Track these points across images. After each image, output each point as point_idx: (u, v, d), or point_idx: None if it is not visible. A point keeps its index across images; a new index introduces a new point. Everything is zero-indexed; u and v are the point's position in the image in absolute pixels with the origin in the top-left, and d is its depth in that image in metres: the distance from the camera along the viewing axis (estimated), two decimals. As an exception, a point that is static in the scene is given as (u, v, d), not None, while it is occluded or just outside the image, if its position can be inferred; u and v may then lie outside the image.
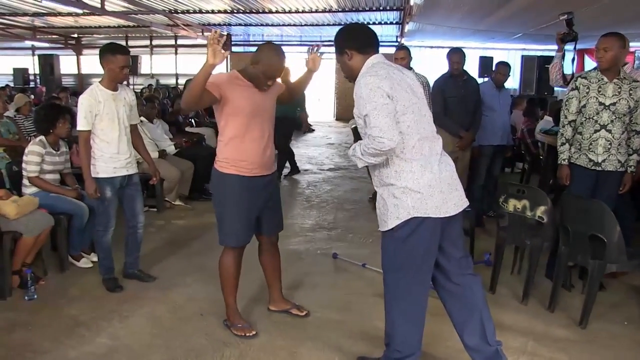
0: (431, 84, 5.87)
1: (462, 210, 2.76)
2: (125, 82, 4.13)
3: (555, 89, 11.67)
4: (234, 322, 3.52)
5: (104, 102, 3.92)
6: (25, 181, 4.47)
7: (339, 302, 3.99)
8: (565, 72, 4.58)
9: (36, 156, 4.39)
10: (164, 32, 13.71)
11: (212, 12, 12.73)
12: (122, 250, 4.37)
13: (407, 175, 2.60)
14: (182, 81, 17.22)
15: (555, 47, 4.65)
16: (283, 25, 14.80)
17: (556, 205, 3.96)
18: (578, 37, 4.54)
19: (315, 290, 4.21)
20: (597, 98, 3.95)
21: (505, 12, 8.87)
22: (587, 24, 7.46)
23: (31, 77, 18.17)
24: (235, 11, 12.59)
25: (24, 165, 4.45)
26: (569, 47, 4.62)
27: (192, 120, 9.54)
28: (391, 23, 14.06)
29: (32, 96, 12.19)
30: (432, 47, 16.27)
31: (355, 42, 2.79)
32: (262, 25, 14.98)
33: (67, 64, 18.69)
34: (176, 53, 17.97)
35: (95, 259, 4.60)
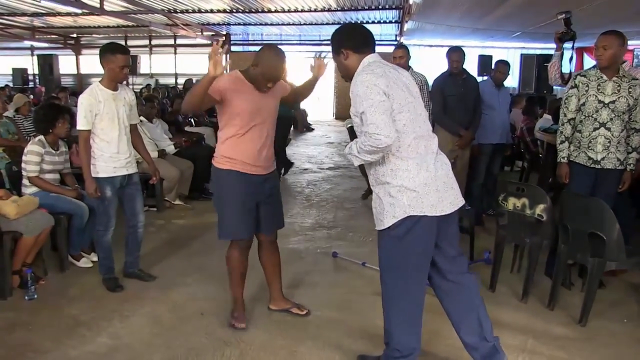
0: (430, 83, 5.88)
1: (459, 209, 2.77)
2: (125, 82, 4.11)
3: (555, 87, 11.67)
4: (233, 311, 3.62)
5: (104, 102, 3.92)
6: (25, 181, 4.48)
7: (339, 300, 4.00)
8: (563, 71, 4.58)
9: (35, 156, 4.40)
10: (163, 31, 13.71)
11: (211, 11, 12.74)
12: (122, 250, 4.37)
13: (403, 173, 2.60)
14: (181, 80, 17.25)
15: (554, 45, 4.65)
16: (282, 24, 14.81)
17: (555, 203, 3.96)
18: (576, 36, 4.54)
19: (315, 289, 4.22)
20: (596, 96, 3.95)
21: (504, 11, 8.89)
22: (585, 22, 7.48)
23: (30, 77, 18.13)
24: (234, 10, 12.59)
25: (23, 165, 4.46)
26: (567, 45, 4.62)
27: (192, 120, 9.54)
28: (390, 22, 14.07)
29: (32, 96, 12.19)
30: (431, 45, 16.27)
31: (351, 41, 2.81)
32: (261, 24, 14.99)
33: (66, 64, 18.67)
34: (175, 53, 17.96)
35: (95, 258, 4.60)
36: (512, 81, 13.57)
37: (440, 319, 3.41)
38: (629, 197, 4.41)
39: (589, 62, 11.98)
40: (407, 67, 5.48)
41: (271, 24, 14.95)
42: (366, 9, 12.34)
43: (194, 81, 15.76)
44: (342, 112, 17.72)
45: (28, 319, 3.66)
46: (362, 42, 2.80)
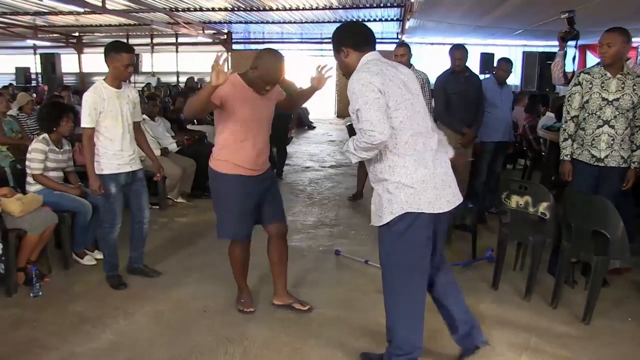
0: (432, 81, 5.87)
1: (457, 207, 2.80)
2: (128, 80, 4.13)
3: (552, 75, 11.64)
4: (239, 297, 3.78)
5: (108, 100, 3.94)
6: (29, 179, 4.49)
7: (341, 298, 4.00)
8: (566, 71, 4.58)
9: (40, 153, 4.41)
10: (165, 30, 13.71)
11: (213, 9, 12.75)
12: (126, 247, 4.40)
13: (401, 170, 2.63)
14: (182, 79, 17.27)
15: (557, 43, 4.65)
16: (283, 22, 14.80)
17: (558, 201, 3.96)
18: (579, 35, 4.54)
19: (317, 287, 4.22)
20: (600, 93, 3.95)
21: (506, 9, 8.87)
22: (588, 19, 7.46)
23: (33, 76, 18.16)
24: (235, 9, 12.59)
25: (27, 162, 4.47)
26: (570, 43, 4.63)
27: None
28: (392, 20, 14.06)
29: (34, 95, 12.20)
30: (432, 43, 16.24)
31: (351, 40, 2.84)
32: (262, 22, 14.99)
33: (69, 62, 18.68)
34: (177, 51, 17.97)
35: (98, 256, 4.63)
36: (514, 79, 13.55)
37: (438, 316, 3.41)
38: (633, 195, 4.40)
39: (591, 59, 11.95)
40: (409, 65, 5.48)
41: (272, 23, 14.94)
42: (368, 7, 12.33)
43: (195, 79, 15.81)
44: (344, 110, 17.57)
45: (33, 316, 3.68)
46: (362, 40, 2.83)
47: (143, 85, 15.22)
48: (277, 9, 12.60)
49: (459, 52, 5.51)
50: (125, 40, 15.98)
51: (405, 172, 2.62)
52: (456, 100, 5.48)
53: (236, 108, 3.31)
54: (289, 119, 8.23)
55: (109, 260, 4.24)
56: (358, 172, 6.87)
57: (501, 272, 4.20)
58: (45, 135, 4.53)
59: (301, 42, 17.47)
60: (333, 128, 15.69)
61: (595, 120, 3.98)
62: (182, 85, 16.37)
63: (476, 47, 13.97)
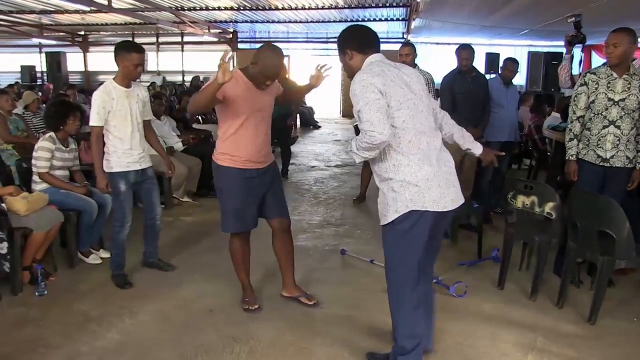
0: (437, 81, 5.86)
1: (460, 207, 2.79)
2: (138, 80, 4.19)
3: (559, 78, 11.62)
4: (243, 297, 3.81)
5: (117, 99, 3.97)
6: (35, 177, 4.50)
7: (347, 298, 4.00)
8: (573, 74, 4.58)
9: (46, 152, 4.43)
10: (170, 29, 13.73)
11: (219, 9, 12.75)
12: (134, 246, 4.45)
13: (405, 169, 2.65)
14: (188, 78, 17.28)
15: (562, 42, 4.64)
16: (289, 22, 14.79)
17: (564, 201, 3.95)
18: (586, 39, 4.54)
19: (323, 286, 4.22)
20: (606, 94, 3.94)
21: (512, 9, 8.85)
22: (594, 20, 7.44)
23: (38, 75, 18.22)
24: (241, 8, 12.60)
25: (33, 161, 4.48)
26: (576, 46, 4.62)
27: (199, 117, 9.55)
28: (397, 19, 14.01)
29: (40, 93, 12.23)
30: (438, 43, 16.22)
31: (355, 42, 2.88)
32: (268, 22, 14.99)
33: (74, 61, 18.71)
34: (182, 50, 18.00)
35: (103, 255, 4.66)
36: (519, 79, 13.52)
37: (446, 317, 3.42)
38: (638, 195, 4.38)
39: (597, 60, 11.90)
40: (414, 65, 5.47)
41: (278, 22, 14.93)
42: (373, 7, 12.31)
43: (201, 78, 15.82)
44: (349, 109, 17.51)
45: (39, 315, 3.69)
46: (365, 43, 2.86)
47: (148, 84, 15.26)
48: (283, 8, 12.60)
49: (465, 52, 5.50)
50: (131, 39, 16.13)
51: (409, 171, 2.64)
52: (463, 100, 5.47)
53: (238, 102, 3.39)
54: (288, 118, 8.22)
55: (116, 260, 4.25)
56: (362, 174, 6.86)
57: (507, 272, 4.19)
58: (52, 133, 4.54)
59: (307, 42, 17.47)
60: (338, 127, 15.68)
61: (601, 120, 3.97)
62: (187, 84, 16.39)
63: (482, 47, 13.94)
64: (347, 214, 6.39)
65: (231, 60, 3.15)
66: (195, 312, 3.78)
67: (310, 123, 15.63)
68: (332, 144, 12.42)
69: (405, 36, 15.08)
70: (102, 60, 18.59)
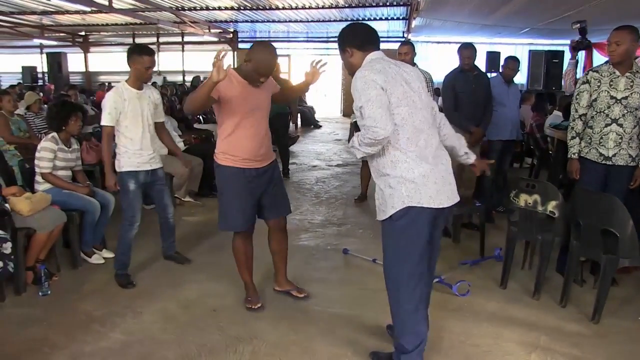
0: (437, 80, 5.86)
1: (452, 206, 2.80)
2: (150, 82, 4.34)
3: (563, 83, 11.62)
4: (246, 296, 3.84)
5: (129, 100, 4.07)
6: (38, 178, 4.50)
7: (350, 297, 4.01)
8: (577, 78, 4.60)
9: (49, 152, 4.43)
10: (171, 29, 13.73)
11: (219, 8, 12.76)
12: (138, 246, 4.51)
13: (402, 165, 2.67)
14: (188, 78, 17.29)
15: (563, 41, 4.67)
16: (289, 21, 14.81)
17: (567, 199, 3.95)
18: (591, 45, 4.57)
19: (326, 285, 4.22)
20: (608, 92, 3.93)
21: (512, 7, 8.85)
22: (595, 18, 7.44)
23: (39, 75, 18.23)
24: (241, 8, 12.61)
25: (36, 162, 4.48)
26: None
27: (200, 117, 9.56)
28: (398, 19, 14.02)
29: (41, 94, 12.24)
30: (438, 42, 16.22)
31: (355, 40, 2.90)
32: (268, 21, 15.00)
33: (75, 61, 18.74)
34: (183, 50, 18.00)
35: (106, 255, 4.69)
36: (520, 77, 13.52)
37: (449, 316, 3.42)
38: (640, 194, 4.39)
39: (598, 58, 11.91)
40: (412, 64, 5.47)
41: (278, 21, 14.95)
42: (374, 6, 12.32)
43: (201, 78, 15.82)
44: (350, 109, 17.63)
45: (42, 315, 3.69)
46: (366, 40, 2.88)
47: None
48: (283, 8, 12.61)
49: (467, 50, 5.50)
50: (131, 40, 16.18)
51: (407, 167, 2.67)
52: (465, 99, 5.47)
53: (233, 101, 3.42)
54: (286, 118, 8.23)
55: (121, 259, 4.26)
56: (361, 173, 6.86)
57: (509, 271, 4.19)
58: (54, 134, 4.54)
59: (307, 41, 17.47)
60: (339, 127, 15.69)
61: (604, 118, 3.97)
62: (188, 84, 16.39)
63: (482, 46, 13.93)
64: (349, 213, 6.39)
65: (225, 59, 3.16)
66: (199, 311, 3.78)
67: (311, 122, 15.64)
68: (333, 143, 12.42)
69: (405, 35, 15.07)
70: (103, 60, 18.69)
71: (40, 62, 18.69)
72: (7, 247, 3.71)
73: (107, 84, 15.61)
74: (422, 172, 2.66)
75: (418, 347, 2.84)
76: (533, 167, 8.20)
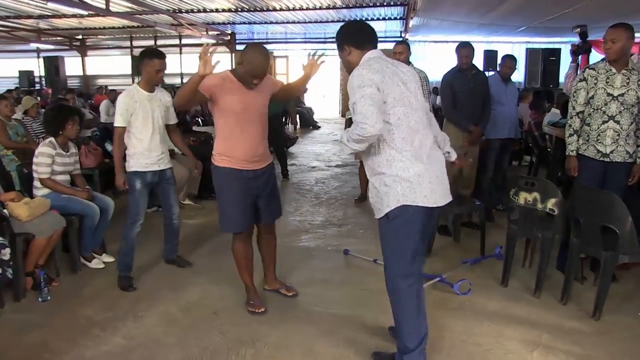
0: (434, 79, 5.85)
1: (444, 206, 2.82)
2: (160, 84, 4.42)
3: (561, 80, 11.64)
4: (248, 299, 3.83)
5: (140, 102, 4.15)
6: (36, 183, 4.49)
7: (351, 298, 4.00)
8: None
9: (47, 157, 4.42)
10: (168, 31, 13.74)
11: (216, 11, 12.76)
12: (142, 250, 4.55)
13: (398, 164, 2.70)
14: (186, 80, 17.24)
15: (560, 39, 4.69)
16: (287, 22, 14.80)
17: (565, 197, 3.95)
18: (591, 49, 4.58)
19: (327, 286, 4.22)
20: (605, 89, 3.94)
21: (509, 6, 8.85)
22: (591, 15, 7.45)
23: (36, 79, 18.22)
24: (239, 10, 12.60)
25: (34, 167, 4.47)
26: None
27: (199, 120, 9.55)
28: (395, 18, 14.02)
29: (39, 98, 12.23)
30: (436, 41, 16.22)
31: (353, 38, 2.91)
32: (266, 23, 14.99)
33: (72, 65, 18.71)
34: (181, 52, 17.99)
35: (106, 259, 4.69)
36: (517, 76, 13.53)
37: (450, 315, 3.41)
38: (639, 190, 4.38)
39: (594, 56, 11.91)
40: (408, 63, 5.46)
41: (276, 23, 14.95)
42: (371, 6, 12.32)
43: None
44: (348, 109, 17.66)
45: (42, 320, 3.68)
46: (363, 38, 2.90)
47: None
48: (281, 9, 12.61)
49: (465, 49, 5.49)
50: (128, 43, 16.15)
51: (402, 166, 2.69)
52: (463, 98, 5.46)
53: (227, 102, 3.46)
54: (279, 117, 8.22)
55: (124, 260, 4.27)
56: (359, 173, 6.85)
57: (510, 269, 4.19)
58: (52, 139, 4.53)
59: (305, 42, 17.46)
60: (338, 127, 15.68)
61: (601, 115, 3.98)
62: (185, 86, 16.36)
63: (479, 45, 13.94)
64: (349, 213, 6.39)
65: (213, 54, 3.20)
66: (200, 314, 3.77)
67: (310, 123, 15.65)
68: (332, 144, 12.42)
69: (403, 35, 15.07)
70: (101, 63, 18.68)
71: (37, 66, 18.65)
72: (6, 253, 3.69)
73: (105, 87, 15.62)
74: (417, 171, 2.69)
75: (420, 345, 2.85)
76: (532, 165, 8.21)
